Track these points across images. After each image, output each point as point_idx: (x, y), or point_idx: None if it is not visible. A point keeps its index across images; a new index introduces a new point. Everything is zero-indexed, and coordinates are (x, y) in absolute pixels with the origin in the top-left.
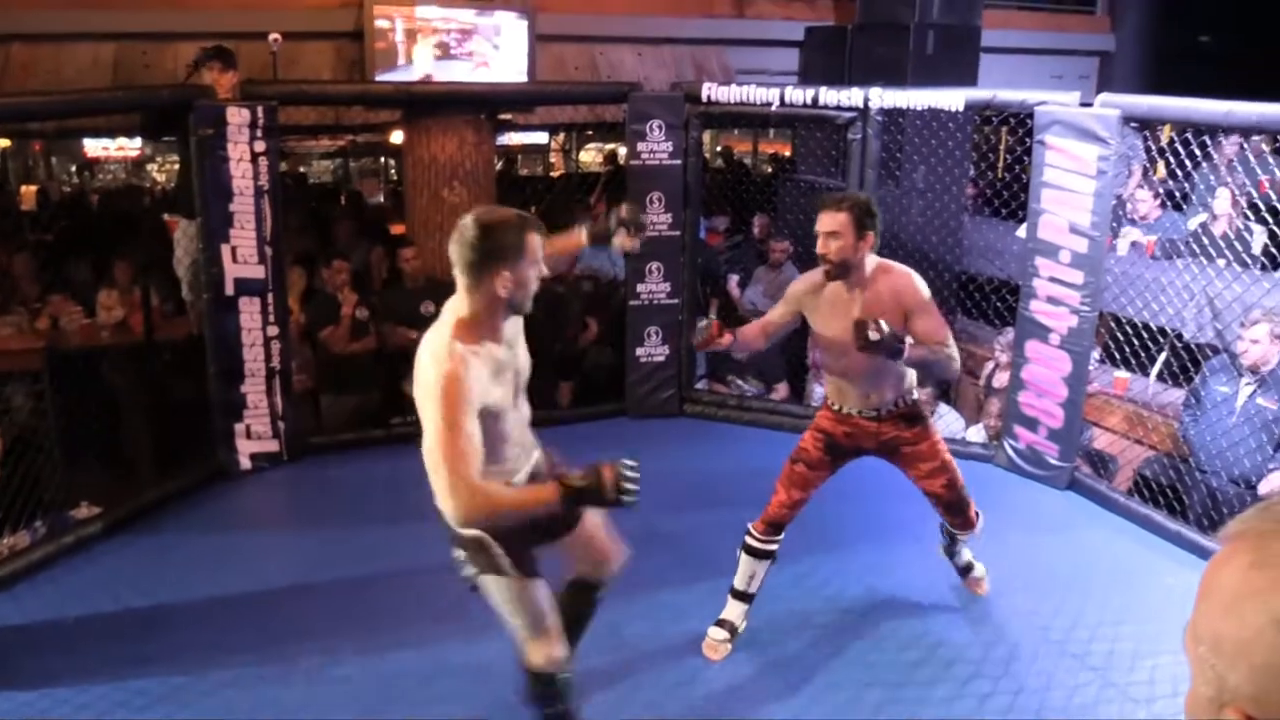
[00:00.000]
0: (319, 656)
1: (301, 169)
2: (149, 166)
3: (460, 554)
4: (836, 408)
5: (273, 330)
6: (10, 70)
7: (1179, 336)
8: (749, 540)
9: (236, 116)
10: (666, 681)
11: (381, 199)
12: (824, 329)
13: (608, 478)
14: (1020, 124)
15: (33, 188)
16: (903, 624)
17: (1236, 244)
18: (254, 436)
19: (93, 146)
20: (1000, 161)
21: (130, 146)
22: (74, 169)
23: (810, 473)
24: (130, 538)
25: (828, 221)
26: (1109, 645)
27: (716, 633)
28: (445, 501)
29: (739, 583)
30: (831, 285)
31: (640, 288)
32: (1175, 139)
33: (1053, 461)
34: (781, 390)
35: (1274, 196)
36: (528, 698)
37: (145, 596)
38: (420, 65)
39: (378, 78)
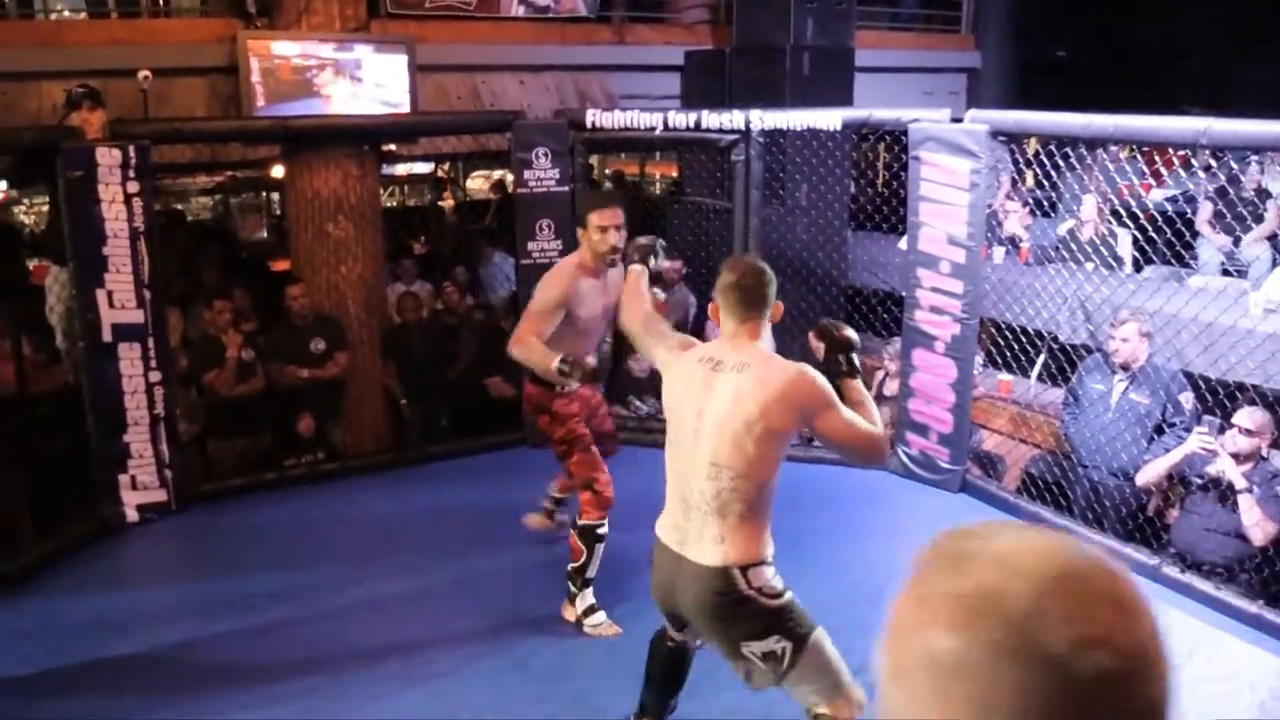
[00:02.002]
0: (230, 712)
1: (179, 206)
2: (15, 209)
3: (756, 650)
4: (572, 389)
5: (155, 376)
6: None
7: (1055, 339)
8: (599, 531)
9: (107, 157)
10: (569, 695)
11: (265, 234)
12: (587, 313)
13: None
14: (896, 140)
15: None
16: None
17: (1103, 248)
18: (140, 487)
19: None
20: (879, 177)
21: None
22: None
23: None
24: (10, 600)
25: (617, 215)
26: None
27: (601, 615)
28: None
29: (594, 571)
30: (594, 276)
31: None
32: (1041, 150)
33: (944, 465)
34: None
35: (1133, 202)
36: None
37: (27, 664)
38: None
39: (255, 112)
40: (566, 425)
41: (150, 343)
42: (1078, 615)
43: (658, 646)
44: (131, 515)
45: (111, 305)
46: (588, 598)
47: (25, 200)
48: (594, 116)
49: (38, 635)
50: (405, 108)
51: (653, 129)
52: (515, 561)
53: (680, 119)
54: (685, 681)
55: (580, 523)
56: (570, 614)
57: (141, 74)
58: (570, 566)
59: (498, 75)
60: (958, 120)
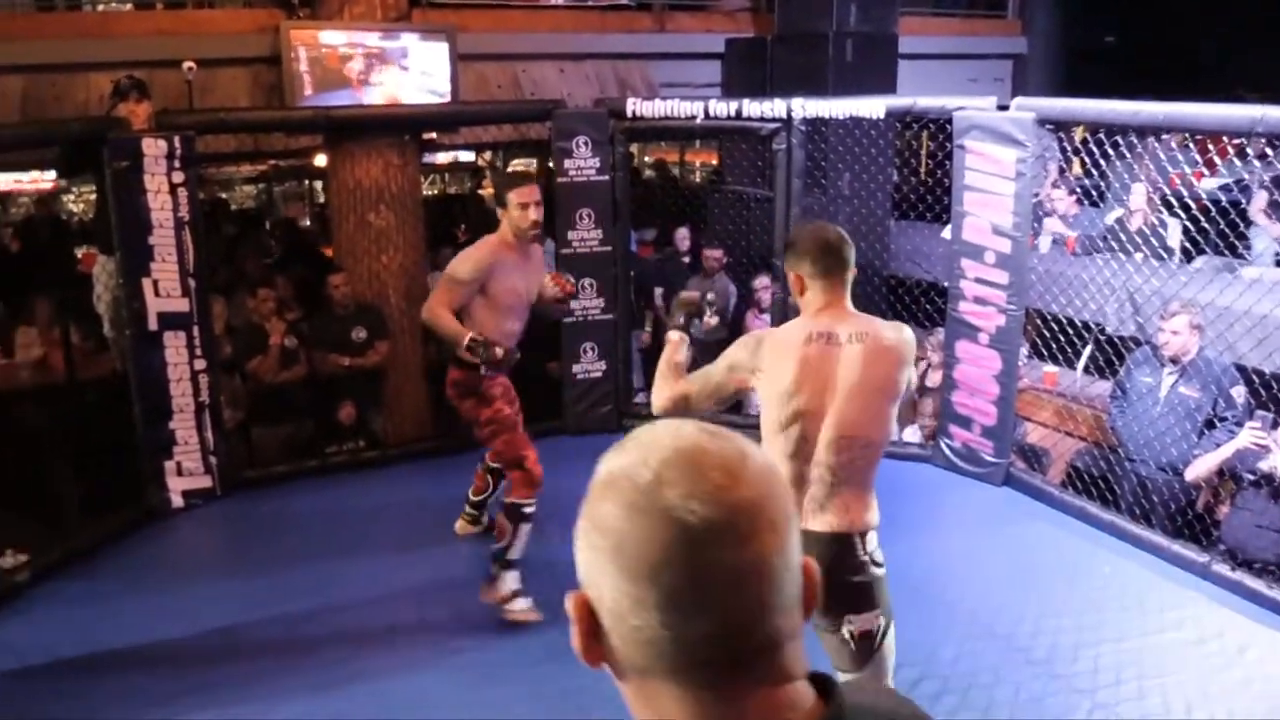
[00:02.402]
0: (258, 702)
1: (223, 195)
2: (65, 198)
3: (855, 627)
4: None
5: (200, 364)
6: None
7: (1102, 330)
8: (527, 510)
9: (153, 148)
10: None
11: (307, 222)
12: (506, 289)
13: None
14: (941, 128)
15: None
16: None
17: (1153, 238)
18: (185, 473)
19: (4, 179)
20: (923, 165)
21: (44, 179)
22: None
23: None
24: (61, 584)
25: (535, 192)
26: (1051, 638)
27: (525, 602)
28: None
29: (519, 553)
30: (514, 253)
31: (574, 304)
32: (1089, 138)
33: (988, 458)
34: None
35: (1185, 192)
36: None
37: (78, 646)
38: (333, 90)
39: (298, 103)
40: (493, 406)
41: (195, 331)
42: (690, 478)
43: None
44: (177, 501)
45: (157, 294)
46: (510, 581)
47: (74, 189)
48: (634, 105)
49: (85, 619)
50: (446, 97)
51: (693, 118)
52: (552, 551)
53: (721, 108)
54: None
55: (508, 500)
56: (490, 596)
57: (186, 65)
58: (494, 547)
59: (538, 64)
60: (1004, 108)
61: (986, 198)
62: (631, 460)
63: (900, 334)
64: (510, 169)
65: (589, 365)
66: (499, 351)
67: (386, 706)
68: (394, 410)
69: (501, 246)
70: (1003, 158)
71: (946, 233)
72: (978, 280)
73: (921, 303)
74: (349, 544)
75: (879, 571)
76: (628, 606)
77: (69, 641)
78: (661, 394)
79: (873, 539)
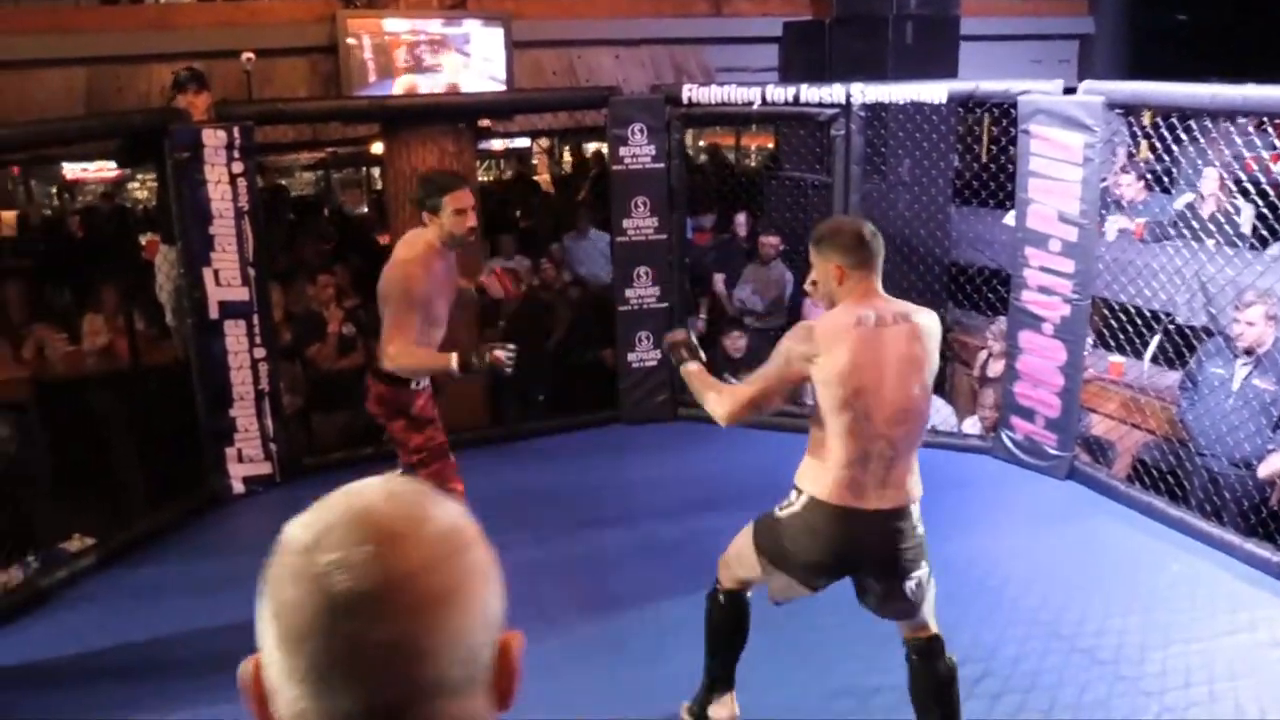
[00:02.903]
0: None
1: (283, 182)
2: (130, 185)
3: (913, 581)
4: (425, 385)
5: (260, 352)
6: None
7: (1172, 320)
8: None
9: (213, 138)
10: (664, 677)
11: (365, 209)
12: (442, 301)
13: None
14: (1005, 112)
15: (12, 213)
16: None
17: (1226, 225)
18: (246, 460)
19: (71, 168)
20: (984, 149)
21: (109, 167)
22: (54, 191)
23: None
24: (125, 570)
25: (470, 196)
26: (1117, 638)
27: None
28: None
29: None
30: (443, 260)
31: (629, 293)
32: (1160, 121)
33: (1051, 451)
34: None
35: (1261, 176)
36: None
37: (141, 630)
38: (396, 77)
39: (357, 91)
40: (425, 432)
41: (254, 319)
42: (346, 544)
43: (729, 606)
44: (238, 487)
45: (218, 283)
46: None
47: (138, 177)
48: (690, 92)
49: (147, 604)
50: (501, 85)
51: (750, 104)
52: (610, 541)
53: (779, 93)
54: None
55: None
56: None
57: (245, 55)
58: None
59: (593, 50)
60: (1071, 91)
61: (1052, 184)
62: (303, 521)
63: (930, 317)
64: (433, 170)
65: (644, 354)
66: (500, 354)
67: None
68: (449, 397)
69: (431, 254)
70: (1070, 143)
71: (1009, 219)
72: (1042, 269)
73: (983, 291)
74: None
75: (922, 531)
76: (280, 676)
77: (132, 626)
78: (723, 406)
79: (918, 506)
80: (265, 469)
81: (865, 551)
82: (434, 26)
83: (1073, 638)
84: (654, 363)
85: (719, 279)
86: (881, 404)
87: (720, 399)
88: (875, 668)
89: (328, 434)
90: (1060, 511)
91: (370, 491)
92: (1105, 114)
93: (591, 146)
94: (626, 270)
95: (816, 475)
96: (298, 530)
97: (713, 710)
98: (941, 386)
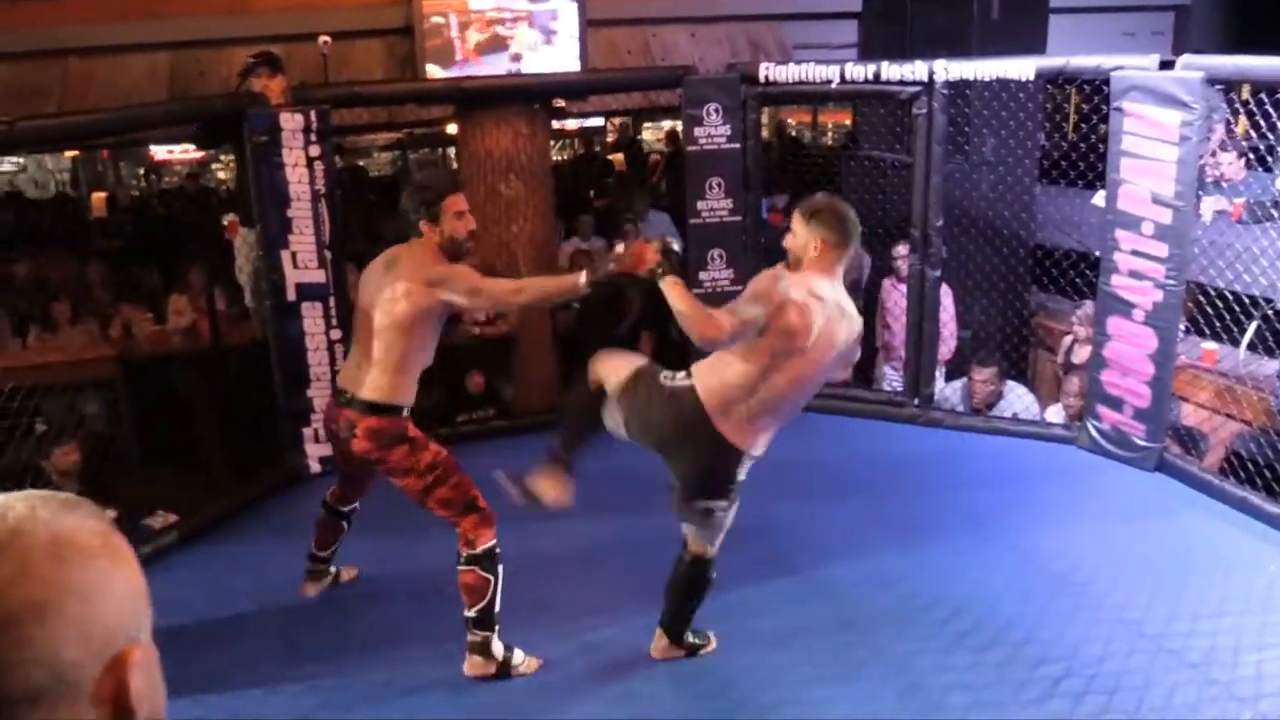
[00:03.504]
0: (394, 666)
1: (361, 163)
2: (214, 166)
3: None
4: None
5: (335, 334)
6: (69, 84)
7: (1271, 305)
8: (498, 551)
9: (290, 122)
10: (734, 672)
11: None
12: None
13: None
14: (1097, 90)
15: (102, 195)
16: (984, 621)
17: None
18: (322, 440)
19: (158, 150)
20: (1071, 125)
21: (194, 149)
22: (141, 172)
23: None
24: (206, 546)
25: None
26: (1209, 640)
27: (520, 653)
28: None
29: (499, 604)
30: None
31: (703, 275)
32: (1265, 96)
33: (1139, 442)
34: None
35: None
36: (695, 577)
37: (221, 607)
38: (472, 57)
39: (432, 72)
40: (430, 448)
41: (331, 301)
42: None
43: (594, 396)
44: (314, 467)
45: (295, 265)
46: (499, 640)
47: (222, 158)
48: (767, 70)
49: (226, 579)
50: (576, 64)
51: (829, 82)
52: (679, 527)
53: (858, 71)
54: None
55: (476, 551)
56: (483, 669)
57: (321, 39)
58: (473, 611)
59: (668, 28)
60: (1167, 65)
61: (1146, 164)
62: None
63: (857, 319)
64: (429, 170)
65: None
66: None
67: (513, 682)
68: (522, 379)
69: (439, 264)
70: (1165, 121)
71: (1098, 199)
72: (1134, 253)
73: (1069, 274)
74: None
75: (742, 480)
76: None
77: (211, 601)
78: (704, 327)
79: (747, 467)
80: None
81: (691, 456)
82: (520, 4)
83: (1160, 638)
84: None
85: None
86: (795, 368)
87: (702, 320)
88: (946, 666)
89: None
90: (1148, 505)
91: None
92: (1204, 90)
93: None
94: (700, 253)
95: (708, 378)
96: None
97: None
98: (1024, 373)
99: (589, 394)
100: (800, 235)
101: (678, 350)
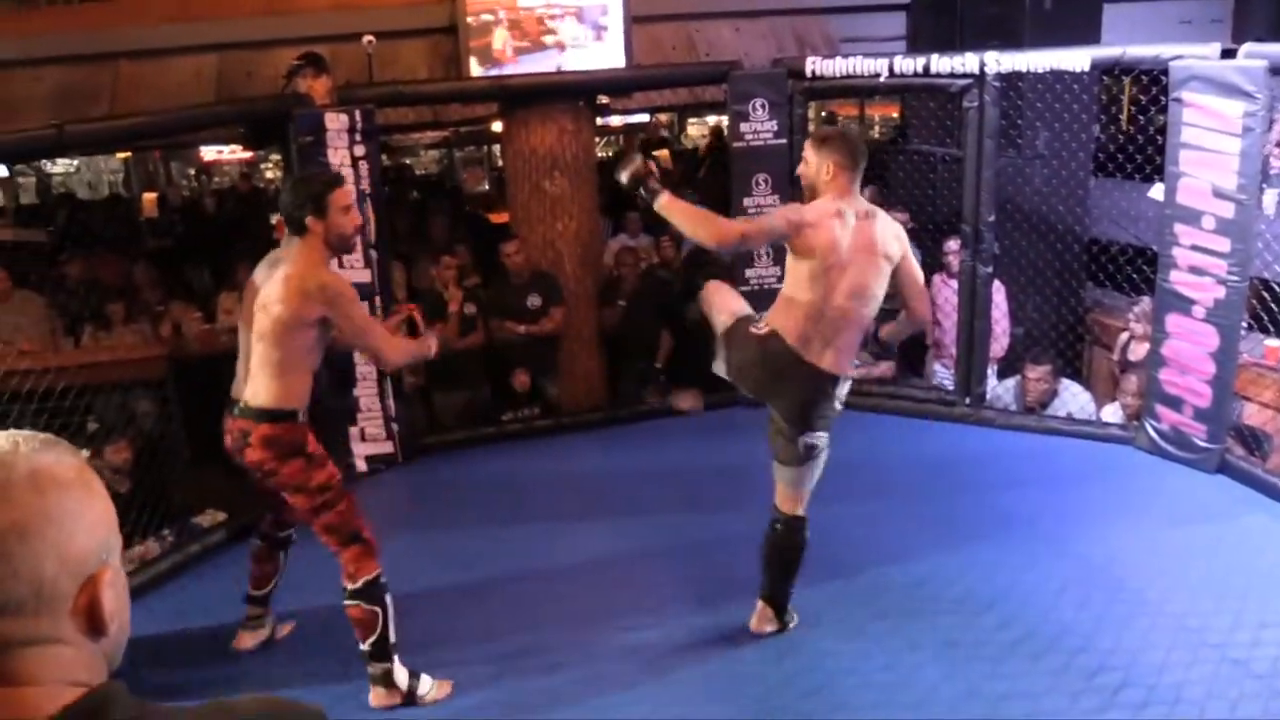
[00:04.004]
0: (444, 668)
1: (407, 161)
2: (263, 166)
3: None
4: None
5: None
6: (119, 88)
7: None
8: (384, 580)
9: (335, 122)
10: (782, 678)
11: (486, 186)
12: None
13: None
14: (1155, 80)
15: (153, 195)
16: (1039, 627)
17: None
18: (369, 439)
19: (208, 151)
20: (1126, 116)
21: (243, 150)
22: (192, 173)
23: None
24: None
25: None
26: (1275, 649)
27: (428, 680)
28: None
29: (395, 632)
30: None
31: (749, 273)
32: None
33: (1200, 443)
34: (883, 368)
35: None
36: (790, 538)
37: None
38: (519, 55)
39: (477, 70)
40: (326, 468)
41: (377, 301)
42: None
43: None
44: (361, 466)
45: (341, 265)
46: (401, 669)
47: (271, 159)
48: (814, 64)
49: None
50: (620, 60)
51: (877, 76)
52: (726, 527)
53: (907, 64)
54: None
55: (358, 585)
56: (386, 699)
57: (366, 39)
58: (366, 645)
59: (713, 23)
60: (1229, 54)
61: (1206, 156)
62: None
63: (890, 220)
64: (303, 172)
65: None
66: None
67: (559, 684)
68: (568, 377)
69: (327, 274)
70: (1227, 112)
71: (1155, 192)
72: (1194, 248)
73: (1125, 269)
74: (522, 513)
75: (840, 408)
76: None
77: None
78: (714, 229)
79: (846, 385)
80: (387, 448)
81: (790, 393)
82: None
83: (1223, 646)
84: None
85: None
86: (845, 280)
87: (710, 224)
88: (1001, 674)
89: (448, 413)
90: (1209, 508)
91: None
92: (1268, 79)
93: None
94: (746, 248)
95: (783, 320)
96: None
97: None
98: (1079, 371)
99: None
100: (812, 162)
101: (698, 347)
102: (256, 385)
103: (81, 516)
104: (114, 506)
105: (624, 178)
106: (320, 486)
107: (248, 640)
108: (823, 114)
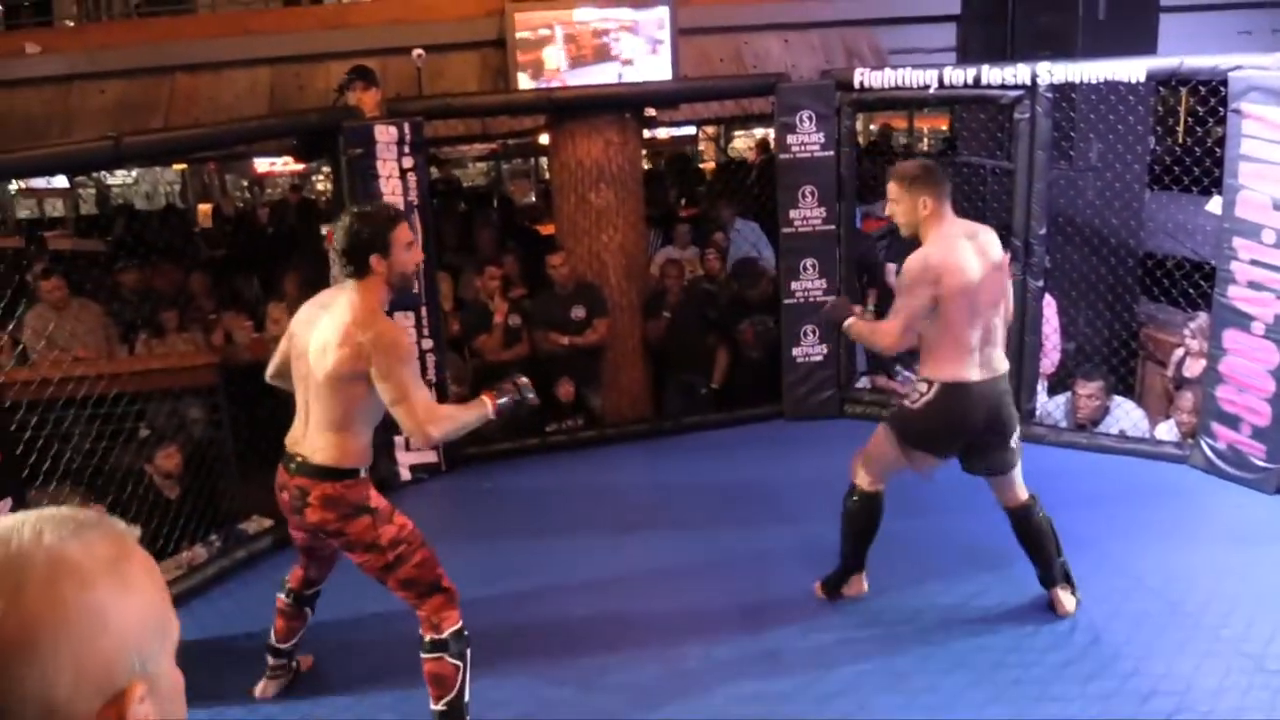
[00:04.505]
0: (485, 678)
1: (455, 172)
2: (315, 179)
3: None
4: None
5: (428, 343)
6: (175, 100)
7: None
8: (466, 634)
9: (384, 134)
10: (827, 695)
11: (533, 198)
12: None
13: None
14: (1214, 91)
15: (208, 206)
16: (1089, 650)
17: None
18: (413, 448)
19: (261, 163)
20: (1183, 127)
21: (295, 163)
22: (245, 185)
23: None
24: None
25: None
26: None
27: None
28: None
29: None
30: None
31: (794, 285)
32: None
33: (1258, 463)
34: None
35: None
36: (1036, 519)
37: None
38: (566, 68)
39: (527, 84)
40: (394, 520)
41: (423, 311)
42: None
43: (869, 504)
44: (405, 475)
45: None
46: None
47: (323, 170)
48: (862, 76)
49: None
50: (667, 73)
51: (926, 87)
52: (768, 542)
53: (958, 75)
54: None
55: (442, 636)
56: None
57: (415, 52)
58: (441, 704)
59: (760, 35)
60: None
61: (1267, 169)
62: None
63: (989, 230)
64: (358, 208)
65: (809, 349)
66: (521, 385)
67: (594, 699)
68: (612, 389)
69: (382, 325)
70: None
71: (1213, 206)
72: (1253, 262)
73: (1182, 284)
74: (564, 525)
75: (1011, 399)
76: None
77: None
78: (889, 337)
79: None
80: (431, 458)
81: (986, 414)
82: (624, 14)
83: None
84: (820, 357)
85: (891, 270)
86: (983, 297)
87: (884, 333)
88: (1050, 696)
89: (491, 424)
90: (1267, 530)
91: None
92: None
93: (758, 133)
94: (793, 262)
95: (940, 366)
96: None
97: (845, 589)
98: (1131, 387)
99: (871, 500)
100: (904, 203)
101: (751, 367)
102: (315, 442)
103: (108, 620)
104: (166, 594)
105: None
106: (392, 541)
107: (270, 689)
108: (872, 128)
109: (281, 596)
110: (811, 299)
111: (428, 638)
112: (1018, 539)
